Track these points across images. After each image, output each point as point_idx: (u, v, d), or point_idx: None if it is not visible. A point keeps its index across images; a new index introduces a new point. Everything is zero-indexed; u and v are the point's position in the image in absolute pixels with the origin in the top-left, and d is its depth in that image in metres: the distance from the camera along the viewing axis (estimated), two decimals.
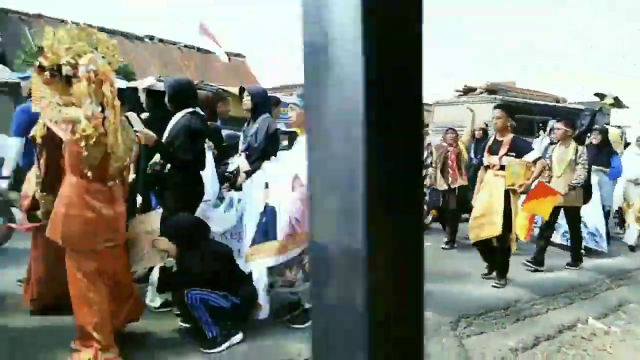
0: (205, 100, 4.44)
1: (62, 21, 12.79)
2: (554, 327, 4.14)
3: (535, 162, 4.71)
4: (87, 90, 2.68)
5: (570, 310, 4.61)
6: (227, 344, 3.13)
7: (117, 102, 2.77)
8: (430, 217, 7.45)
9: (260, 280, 3.34)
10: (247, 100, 4.03)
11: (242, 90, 4.23)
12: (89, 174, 2.78)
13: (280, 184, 3.45)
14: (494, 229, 4.69)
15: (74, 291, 2.86)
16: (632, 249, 7.13)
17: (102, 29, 12.60)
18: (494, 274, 5.04)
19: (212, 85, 12.41)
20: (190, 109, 3.66)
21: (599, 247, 6.56)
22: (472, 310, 4.17)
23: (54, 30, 2.74)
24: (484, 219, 4.76)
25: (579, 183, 5.52)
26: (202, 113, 3.82)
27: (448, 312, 4.04)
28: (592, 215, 6.40)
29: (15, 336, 3.20)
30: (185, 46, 16.00)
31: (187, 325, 3.37)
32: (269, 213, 3.42)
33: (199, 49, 14.98)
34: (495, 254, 4.97)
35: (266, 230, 3.40)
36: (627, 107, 10.32)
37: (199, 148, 3.64)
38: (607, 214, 6.83)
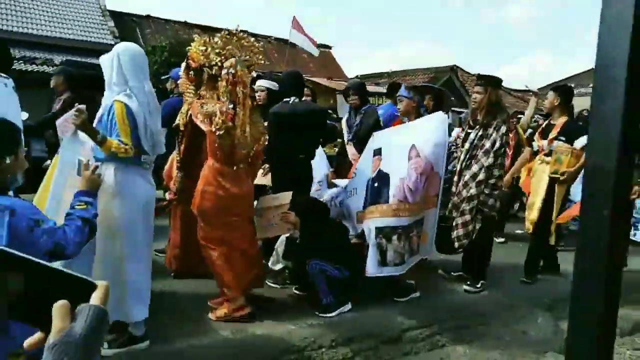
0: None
1: (167, 21, 13.87)
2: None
3: (583, 148, 4.15)
4: (224, 89, 3.18)
5: None
6: (338, 311, 3.54)
7: (248, 101, 3.22)
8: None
9: (369, 238, 3.66)
10: (354, 98, 4.46)
11: (348, 89, 4.63)
12: (222, 158, 3.28)
13: (397, 152, 3.72)
14: (531, 214, 4.47)
15: (206, 256, 3.41)
16: None
17: (199, 26, 13.64)
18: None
19: None
20: (286, 99, 4.10)
21: None
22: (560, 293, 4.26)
23: (205, 38, 3.26)
24: (530, 209, 4.52)
25: None
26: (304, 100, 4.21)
27: (538, 298, 4.18)
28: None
29: (158, 297, 3.81)
30: (276, 39, 16.79)
31: (300, 293, 3.84)
32: (382, 179, 3.73)
33: (288, 42, 15.61)
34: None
35: (378, 194, 3.71)
36: None
37: (287, 134, 3.93)
38: None
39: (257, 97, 4.19)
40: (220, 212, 3.33)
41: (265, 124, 3.68)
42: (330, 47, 19.08)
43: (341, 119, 5.33)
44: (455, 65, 17.92)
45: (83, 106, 2.62)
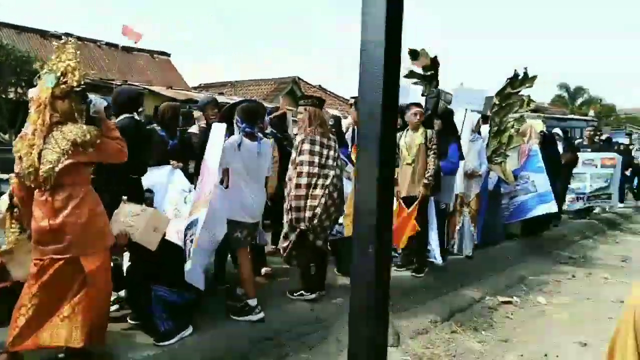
0: (165, 110, 4.56)
1: None
2: (465, 300, 4.79)
3: None
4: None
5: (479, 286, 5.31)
6: (178, 337, 3.36)
7: (35, 117, 2.83)
8: None
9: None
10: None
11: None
12: (30, 183, 2.87)
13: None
14: (346, 230, 4.66)
15: None
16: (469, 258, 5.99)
17: (17, 27, 12.02)
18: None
19: (136, 85, 12.20)
20: (126, 114, 3.84)
21: (430, 257, 5.30)
22: (397, 291, 4.68)
23: None
24: (346, 219, 4.68)
25: (432, 176, 5.01)
26: (136, 118, 3.98)
27: None
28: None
29: None
30: (107, 44, 15.47)
31: (136, 322, 3.56)
32: None
33: (122, 47, 14.56)
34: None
35: None
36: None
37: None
38: (443, 214, 5.66)
39: None
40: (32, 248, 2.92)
41: None
42: (168, 55, 18.34)
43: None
44: (297, 76, 18.67)
45: None
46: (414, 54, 6.46)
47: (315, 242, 4.17)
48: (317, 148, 4.12)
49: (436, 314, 4.39)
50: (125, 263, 3.43)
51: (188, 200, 3.98)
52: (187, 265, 3.40)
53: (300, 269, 4.39)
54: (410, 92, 6.23)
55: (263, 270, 4.86)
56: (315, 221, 4.05)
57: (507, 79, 6.78)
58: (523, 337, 4.22)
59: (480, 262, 5.94)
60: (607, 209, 10.41)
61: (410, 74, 6.59)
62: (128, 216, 3.23)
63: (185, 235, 3.51)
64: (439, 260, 5.32)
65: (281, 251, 4.28)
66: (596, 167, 9.45)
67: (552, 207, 7.00)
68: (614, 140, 11.97)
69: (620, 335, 1.50)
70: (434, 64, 6.33)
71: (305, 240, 4.16)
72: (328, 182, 4.11)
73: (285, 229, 4.20)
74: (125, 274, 3.43)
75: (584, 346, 3.99)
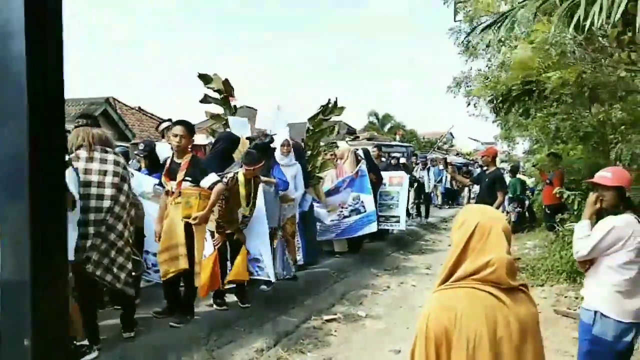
0: None
1: None
2: (291, 324, 4.75)
3: (211, 188, 4.17)
4: None
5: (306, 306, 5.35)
6: None
7: None
8: None
9: None
10: None
11: None
12: None
13: None
14: (180, 264, 4.11)
15: None
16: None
17: None
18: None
19: None
20: None
21: (262, 275, 5.12)
22: (220, 322, 4.41)
23: None
24: (167, 253, 4.18)
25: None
26: None
27: (199, 328, 4.20)
28: (254, 239, 5.04)
29: None
30: None
31: None
32: None
33: None
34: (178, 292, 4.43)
35: None
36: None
37: None
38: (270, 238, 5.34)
39: None
40: None
41: None
42: None
43: None
44: (112, 97, 17.13)
45: None
46: (206, 78, 6.27)
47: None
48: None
49: (262, 342, 4.24)
50: None
51: None
52: None
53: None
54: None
55: None
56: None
57: (320, 106, 7.17)
58: (345, 352, 4.34)
59: (306, 283, 6.02)
60: (395, 231, 9.98)
61: (206, 99, 6.38)
62: None
63: None
64: (272, 278, 5.09)
65: None
66: (385, 185, 9.26)
67: (373, 227, 7.59)
68: (401, 160, 11.97)
69: (417, 341, 1.55)
70: (226, 86, 6.21)
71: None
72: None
73: None
74: None
75: (398, 353, 4.26)
